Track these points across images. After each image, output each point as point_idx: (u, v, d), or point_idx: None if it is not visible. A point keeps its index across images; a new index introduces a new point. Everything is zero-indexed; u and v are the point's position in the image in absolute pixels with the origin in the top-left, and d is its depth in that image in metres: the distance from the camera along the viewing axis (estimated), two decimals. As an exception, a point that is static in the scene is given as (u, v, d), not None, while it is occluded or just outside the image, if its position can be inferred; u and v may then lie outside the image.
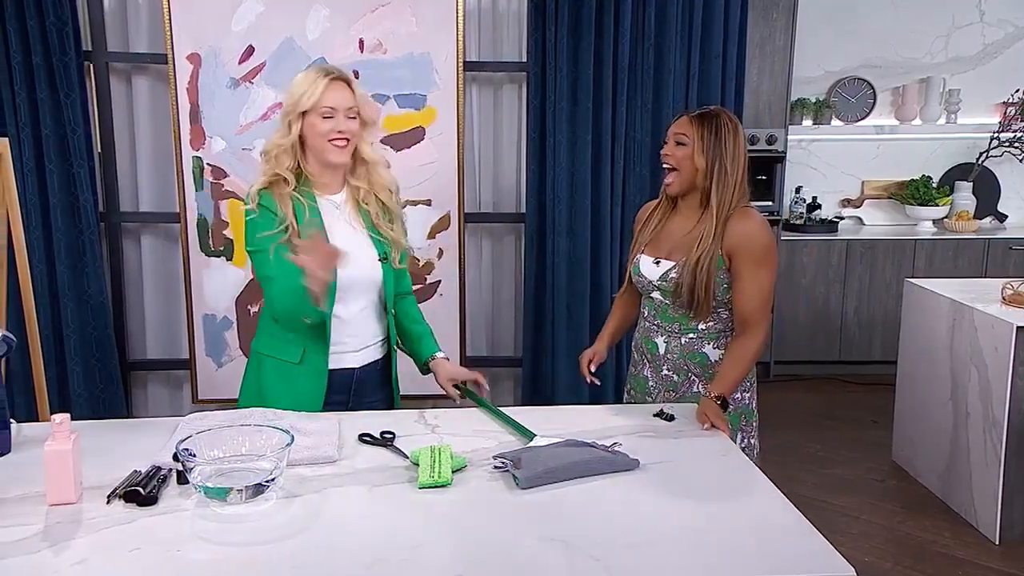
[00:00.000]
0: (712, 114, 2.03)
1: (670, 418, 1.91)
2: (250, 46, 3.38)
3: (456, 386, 2.07)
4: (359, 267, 1.96)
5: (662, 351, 2.14)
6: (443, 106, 3.47)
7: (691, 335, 2.10)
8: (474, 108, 3.66)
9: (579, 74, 3.47)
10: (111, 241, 3.60)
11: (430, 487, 1.53)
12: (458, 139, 3.49)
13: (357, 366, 2.04)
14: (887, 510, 3.27)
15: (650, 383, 2.19)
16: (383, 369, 2.11)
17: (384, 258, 2.02)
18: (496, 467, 1.61)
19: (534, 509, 1.46)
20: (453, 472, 1.58)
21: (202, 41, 3.36)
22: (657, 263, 2.10)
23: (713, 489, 1.56)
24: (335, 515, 1.43)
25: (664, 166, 2.07)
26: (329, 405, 1.99)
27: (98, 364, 3.55)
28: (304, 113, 1.92)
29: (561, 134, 3.51)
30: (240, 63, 3.39)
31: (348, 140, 1.95)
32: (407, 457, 1.66)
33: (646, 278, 2.12)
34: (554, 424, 1.83)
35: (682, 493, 1.53)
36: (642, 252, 2.15)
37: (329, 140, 1.93)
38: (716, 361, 2.08)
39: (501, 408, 1.93)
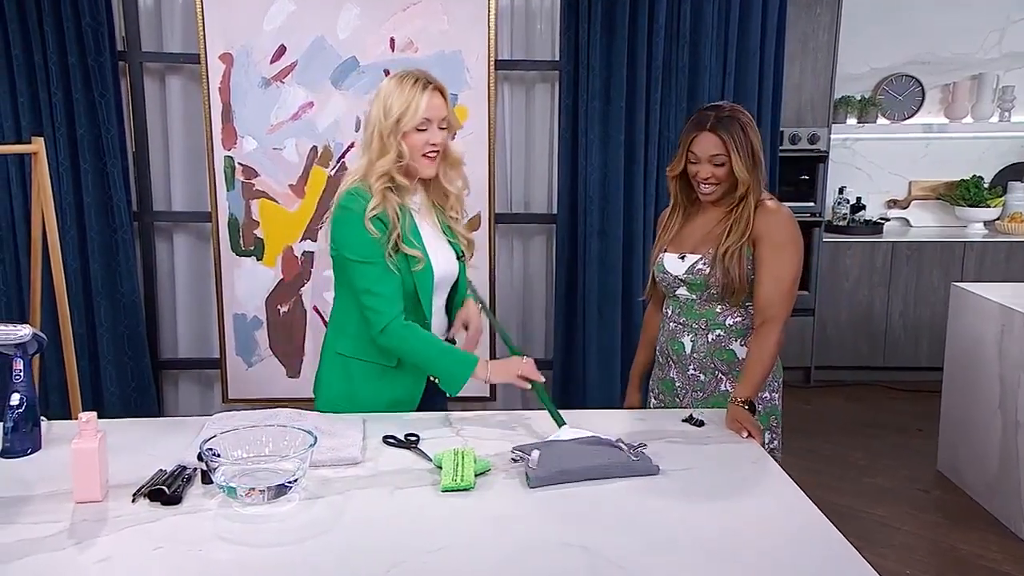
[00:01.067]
0: (730, 118, 2.03)
1: (700, 423, 1.91)
2: (281, 45, 3.44)
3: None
4: (443, 266, 2.01)
5: (688, 350, 2.15)
6: (474, 105, 3.49)
7: (719, 331, 2.11)
8: (505, 107, 3.68)
9: (612, 73, 3.47)
10: (144, 240, 3.68)
11: (453, 490, 1.55)
12: (489, 139, 3.51)
13: None
14: (931, 521, 3.22)
15: (677, 384, 2.20)
16: None
17: (460, 256, 2.07)
18: (513, 459, 1.66)
19: (557, 514, 1.47)
20: (476, 476, 1.60)
21: (234, 41, 3.42)
22: (682, 258, 2.13)
23: (743, 497, 1.56)
24: (357, 517, 1.45)
25: (704, 187, 2.08)
26: None
27: (130, 362, 3.63)
28: (406, 131, 1.89)
29: (593, 134, 3.51)
30: (272, 62, 3.45)
31: (439, 152, 1.94)
32: (431, 460, 1.68)
33: (671, 274, 2.14)
34: (581, 428, 1.83)
35: (710, 501, 1.53)
36: (665, 251, 2.17)
37: (422, 154, 1.92)
38: (743, 359, 2.09)
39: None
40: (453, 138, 2.01)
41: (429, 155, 1.93)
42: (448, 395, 2.01)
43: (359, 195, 1.91)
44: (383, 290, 1.90)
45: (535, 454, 1.62)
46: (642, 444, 1.71)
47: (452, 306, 2.13)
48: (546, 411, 1.87)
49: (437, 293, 2.03)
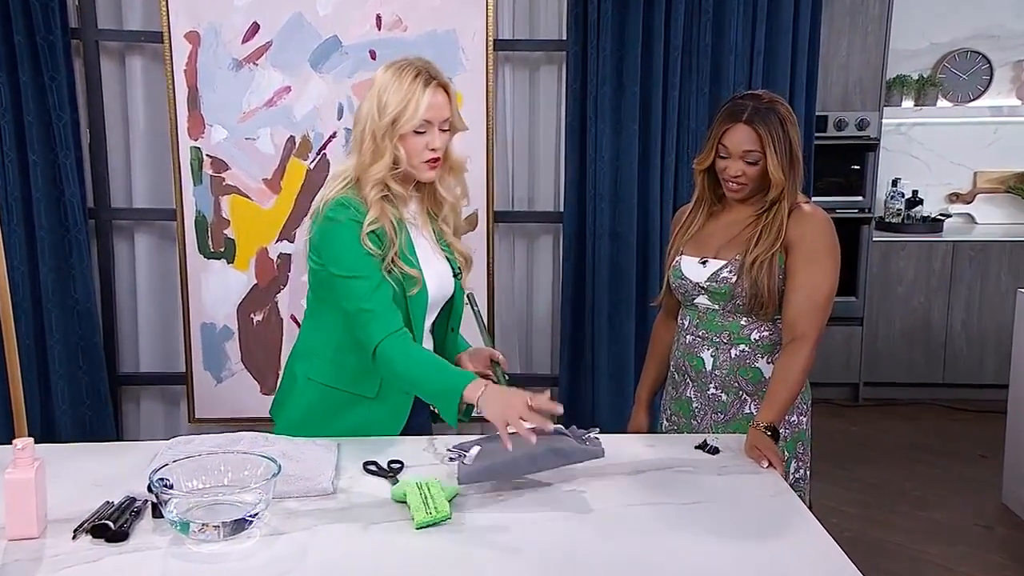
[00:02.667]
0: (769, 110, 2.06)
1: (714, 451, 1.95)
2: (254, 23, 3.48)
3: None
4: (438, 285, 2.04)
5: (709, 367, 2.17)
6: (470, 90, 3.51)
7: (743, 346, 2.14)
8: (506, 93, 3.70)
9: (625, 53, 3.49)
10: (100, 240, 3.72)
11: (430, 525, 1.58)
12: (487, 128, 3.54)
13: None
14: (994, 563, 3.23)
15: (694, 404, 2.23)
16: None
17: (458, 274, 2.10)
18: (450, 458, 1.76)
19: (548, 547, 1.51)
20: (449, 501, 1.63)
21: (201, 17, 3.47)
22: (704, 263, 2.15)
23: (757, 537, 1.58)
24: (322, 557, 1.49)
25: (732, 185, 2.11)
26: None
27: (85, 377, 3.67)
28: (403, 133, 1.91)
29: (604, 122, 3.53)
30: (243, 42, 3.49)
31: (440, 157, 1.96)
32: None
33: (690, 280, 2.17)
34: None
35: (719, 540, 1.56)
36: (682, 254, 2.20)
37: (423, 161, 1.94)
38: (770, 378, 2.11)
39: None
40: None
41: (430, 162, 1.94)
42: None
43: (349, 205, 1.92)
44: (376, 306, 1.91)
45: (474, 450, 1.70)
46: (593, 428, 1.81)
47: (445, 326, 2.15)
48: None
49: (428, 314, 2.07)
